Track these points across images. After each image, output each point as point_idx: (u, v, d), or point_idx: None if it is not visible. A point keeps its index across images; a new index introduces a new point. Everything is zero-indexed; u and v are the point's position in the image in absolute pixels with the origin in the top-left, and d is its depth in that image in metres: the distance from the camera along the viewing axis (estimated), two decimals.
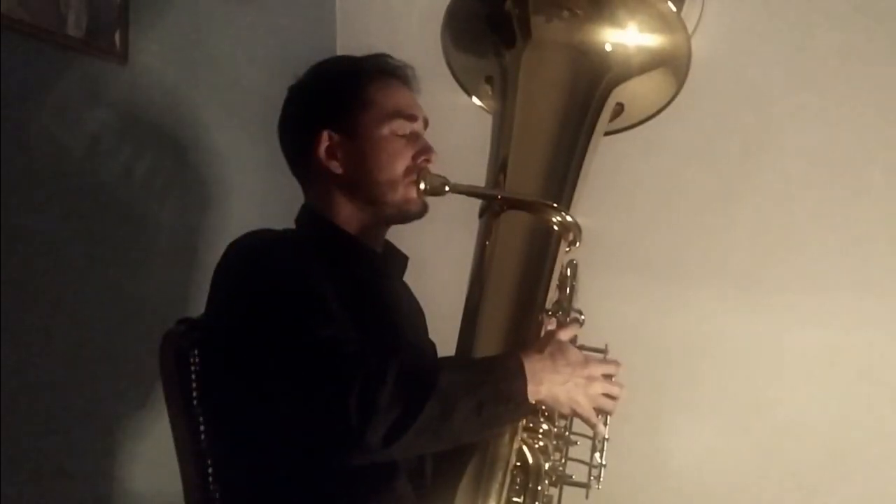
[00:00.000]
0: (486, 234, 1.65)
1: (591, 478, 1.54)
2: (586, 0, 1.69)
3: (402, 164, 1.59)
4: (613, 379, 1.51)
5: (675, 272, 2.44)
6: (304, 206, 1.68)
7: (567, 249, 1.65)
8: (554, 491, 1.56)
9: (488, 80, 1.81)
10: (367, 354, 1.35)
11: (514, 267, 1.63)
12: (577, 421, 1.54)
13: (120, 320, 1.95)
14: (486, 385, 1.39)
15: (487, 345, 1.55)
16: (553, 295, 1.64)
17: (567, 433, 1.57)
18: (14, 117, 1.70)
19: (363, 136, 1.60)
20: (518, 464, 1.51)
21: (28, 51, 1.74)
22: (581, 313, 1.63)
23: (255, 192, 2.35)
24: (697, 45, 1.73)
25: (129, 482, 1.97)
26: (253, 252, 1.50)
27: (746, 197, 2.40)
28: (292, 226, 1.67)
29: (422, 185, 1.58)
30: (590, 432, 1.53)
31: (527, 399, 1.41)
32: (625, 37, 1.70)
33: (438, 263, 2.17)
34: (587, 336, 1.60)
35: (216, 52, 2.26)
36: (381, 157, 1.59)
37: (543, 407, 1.52)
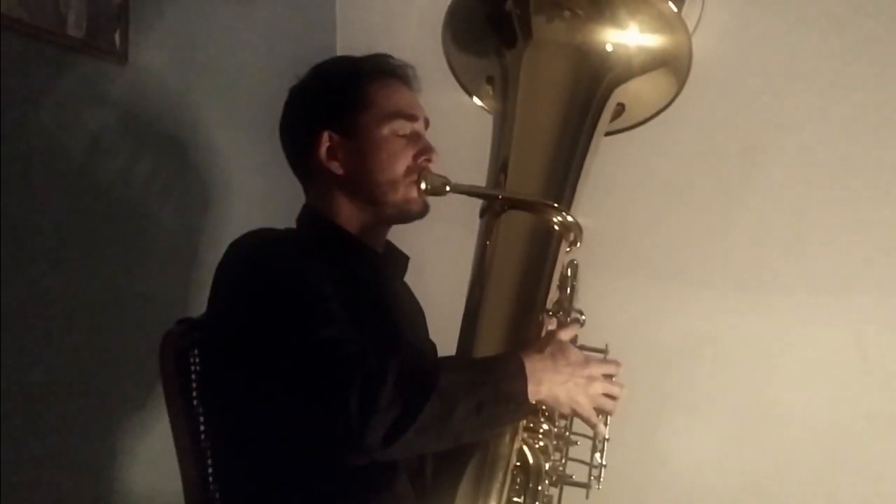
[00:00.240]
0: (486, 234, 1.65)
1: (592, 478, 1.54)
2: (587, 0, 1.69)
3: (402, 164, 1.59)
4: (614, 379, 1.51)
5: (676, 272, 2.44)
6: (305, 206, 1.68)
7: (568, 249, 1.65)
8: (554, 491, 1.56)
9: (489, 80, 1.81)
10: (368, 354, 1.35)
11: (514, 267, 1.63)
12: (577, 421, 1.54)
13: (120, 320, 1.95)
14: (486, 385, 1.39)
15: (488, 345, 1.55)
16: (554, 295, 1.64)
17: (567, 433, 1.57)
18: (14, 117, 1.70)
19: (364, 137, 1.60)
20: (518, 464, 1.51)
21: (28, 51, 1.74)
22: (581, 313, 1.63)
23: (255, 192, 2.35)
24: (697, 45, 1.73)
25: (129, 482, 1.97)
26: (254, 251, 1.50)
27: (746, 197, 2.40)
28: (293, 226, 1.67)
29: (423, 185, 1.59)
30: (590, 432, 1.54)
31: (527, 399, 1.42)
32: (626, 37, 1.70)
33: (439, 263, 2.17)
34: (587, 336, 1.60)
35: (216, 52, 2.26)
36: (382, 158, 1.59)
37: (544, 407, 1.52)
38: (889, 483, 2.28)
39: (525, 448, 1.52)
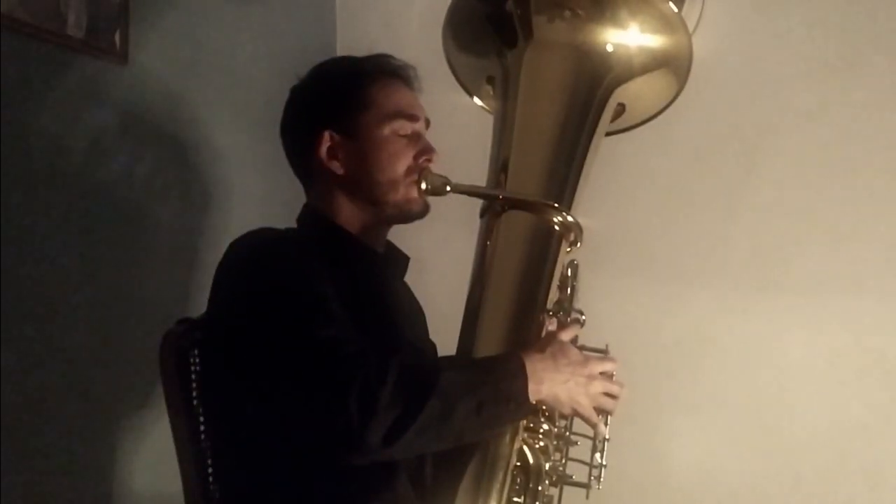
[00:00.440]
0: (487, 235, 1.65)
1: (592, 478, 1.54)
2: (588, 0, 1.69)
3: (403, 164, 1.59)
4: (613, 378, 1.51)
5: (676, 272, 2.44)
6: (305, 206, 1.68)
7: (568, 249, 1.65)
8: (554, 491, 1.56)
9: (490, 80, 1.81)
10: (368, 355, 1.35)
11: (515, 267, 1.63)
12: (577, 421, 1.54)
13: (120, 320, 1.95)
14: (486, 385, 1.39)
15: (488, 345, 1.55)
16: (554, 295, 1.64)
17: (567, 433, 1.57)
18: (14, 117, 1.70)
19: (364, 137, 1.60)
20: (518, 464, 1.51)
21: (28, 51, 1.74)
22: (582, 313, 1.63)
23: (255, 192, 2.35)
24: (697, 45, 1.73)
25: (129, 482, 1.97)
26: (254, 251, 1.50)
27: (747, 197, 2.39)
28: (293, 226, 1.67)
29: (423, 185, 1.59)
30: (590, 432, 1.54)
31: (528, 399, 1.42)
32: (626, 37, 1.70)
33: (439, 263, 2.17)
34: (588, 336, 1.60)
35: (216, 52, 2.26)
36: (383, 158, 1.59)
37: (544, 407, 1.52)
38: (890, 483, 2.28)
39: (525, 448, 1.52)
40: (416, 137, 1.63)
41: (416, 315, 1.80)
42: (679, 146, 2.43)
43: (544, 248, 1.62)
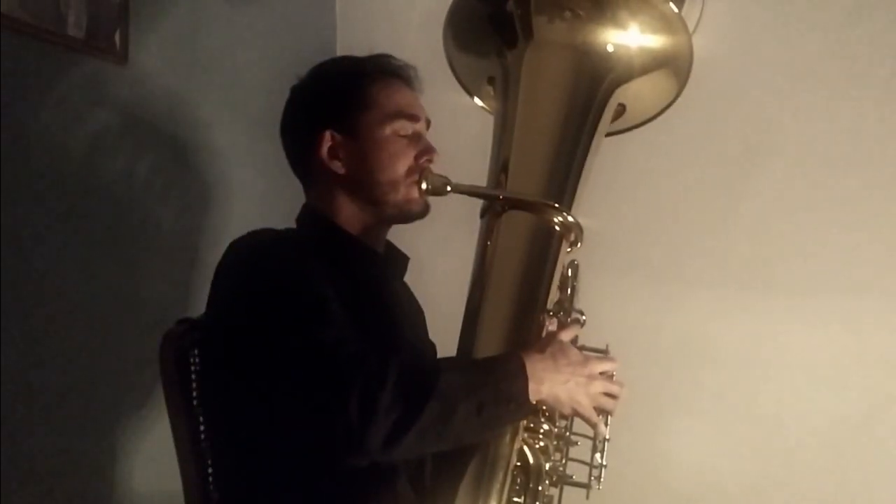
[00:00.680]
0: (487, 235, 1.65)
1: (592, 478, 1.54)
2: (588, 1, 1.69)
3: (403, 164, 1.59)
4: (613, 378, 1.51)
5: (676, 273, 2.44)
6: (305, 206, 1.68)
7: (568, 250, 1.65)
8: (554, 491, 1.56)
9: (490, 80, 1.81)
10: (368, 356, 1.35)
11: (515, 267, 1.63)
12: (577, 421, 1.54)
13: (120, 320, 1.95)
14: (486, 386, 1.39)
15: (488, 345, 1.55)
16: (554, 295, 1.64)
17: (568, 433, 1.57)
18: (14, 117, 1.70)
19: (365, 137, 1.60)
20: (519, 464, 1.51)
21: (28, 51, 1.74)
22: (582, 314, 1.63)
23: (255, 192, 2.35)
24: (697, 44, 1.73)
25: (129, 482, 1.97)
26: (254, 252, 1.50)
27: (747, 197, 2.40)
28: (293, 226, 1.67)
29: (423, 185, 1.59)
30: (590, 432, 1.54)
31: (528, 399, 1.42)
32: (627, 38, 1.70)
33: (439, 263, 2.17)
34: (588, 336, 1.60)
35: (216, 52, 2.26)
36: (383, 158, 1.59)
37: (544, 407, 1.52)
38: (889, 483, 2.28)
39: (525, 448, 1.52)
40: (416, 137, 1.63)
41: (416, 315, 1.80)
42: (679, 146, 2.42)
43: (544, 248, 1.62)
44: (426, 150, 1.61)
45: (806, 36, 2.35)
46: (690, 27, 1.85)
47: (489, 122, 1.78)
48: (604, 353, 1.57)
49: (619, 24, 1.69)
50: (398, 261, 1.75)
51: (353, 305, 1.47)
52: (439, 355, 1.77)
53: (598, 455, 1.54)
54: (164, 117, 2.09)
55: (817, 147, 2.34)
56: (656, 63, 1.73)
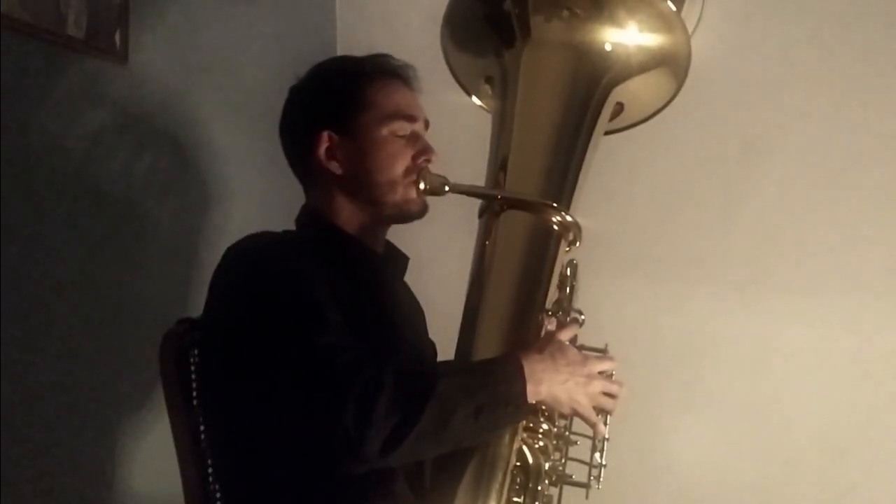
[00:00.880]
0: (485, 234, 1.65)
1: (591, 478, 1.54)
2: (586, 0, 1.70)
3: (401, 164, 1.59)
4: (613, 377, 1.51)
5: (676, 272, 2.45)
6: (304, 207, 1.68)
7: (567, 249, 1.65)
8: (554, 491, 1.56)
9: (488, 79, 1.81)
10: (365, 362, 1.35)
11: (514, 267, 1.63)
12: (576, 421, 1.54)
13: (120, 320, 1.95)
14: (484, 389, 1.39)
15: (487, 345, 1.55)
16: (553, 295, 1.64)
17: (567, 433, 1.57)
18: (14, 117, 1.70)
19: (363, 137, 1.60)
20: (518, 464, 1.51)
21: (28, 51, 1.74)
22: (581, 313, 1.63)
23: (255, 192, 2.35)
24: (698, 44, 1.73)
25: (129, 482, 1.97)
26: (251, 256, 1.50)
27: (746, 197, 2.40)
28: (293, 226, 1.67)
29: (422, 185, 1.58)
30: (590, 432, 1.54)
31: (526, 401, 1.42)
32: (625, 36, 1.70)
33: (438, 263, 2.17)
34: (587, 336, 1.60)
35: (216, 52, 2.26)
36: (381, 158, 1.59)
37: (543, 407, 1.52)
38: (889, 483, 2.28)
39: (525, 448, 1.52)
40: (414, 138, 1.62)
41: (415, 315, 1.80)
42: (679, 146, 2.43)
43: (543, 247, 1.62)
44: (424, 151, 1.61)
45: (806, 36, 2.35)
46: (690, 27, 1.85)
47: (487, 121, 1.78)
48: (603, 353, 1.57)
49: (616, 23, 1.69)
50: (398, 261, 1.75)
51: (353, 306, 1.47)
52: (439, 355, 1.77)
53: (597, 454, 1.54)
54: (164, 117, 2.09)
55: (817, 147, 2.34)
56: (654, 62, 1.73)
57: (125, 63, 1.96)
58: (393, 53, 1.68)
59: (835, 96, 2.32)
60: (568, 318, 1.62)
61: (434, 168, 1.61)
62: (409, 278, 1.78)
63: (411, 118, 1.62)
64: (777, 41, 2.38)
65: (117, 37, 1.93)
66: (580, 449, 1.57)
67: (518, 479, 1.51)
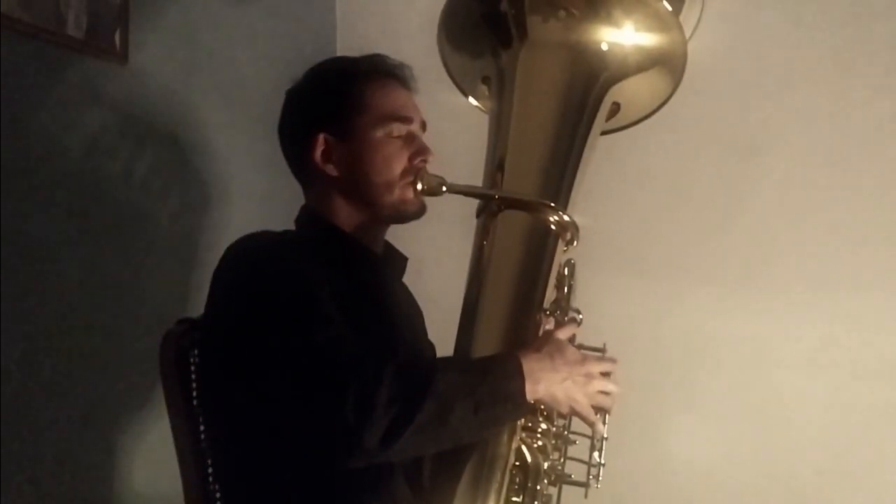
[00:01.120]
0: (483, 234, 1.64)
1: (590, 477, 1.54)
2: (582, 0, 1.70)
3: (398, 166, 1.59)
4: (611, 376, 1.51)
5: (673, 271, 2.44)
6: (304, 207, 1.68)
7: (565, 249, 1.65)
8: (553, 490, 1.56)
9: (485, 80, 1.81)
10: (364, 357, 1.35)
11: (511, 266, 1.63)
12: (575, 420, 1.54)
13: (120, 320, 1.95)
14: (483, 385, 1.39)
15: (485, 344, 1.54)
16: (551, 294, 1.64)
17: (566, 432, 1.57)
18: (14, 117, 1.70)
19: (359, 139, 1.60)
20: (517, 463, 1.51)
21: (28, 51, 1.74)
22: (579, 312, 1.63)
23: (255, 192, 2.35)
24: (698, 44, 1.73)
25: (129, 482, 1.97)
26: (251, 255, 1.51)
27: (745, 196, 2.40)
28: (293, 226, 1.67)
29: (419, 186, 1.58)
30: (588, 431, 1.53)
31: (525, 399, 1.41)
32: (621, 36, 1.69)
33: (436, 263, 2.17)
34: (585, 335, 1.60)
35: (216, 52, 2.26)
36: (377, 160, 1.59)
37: (542, 406, 1.52)
38: (889, 482, 2.28)
39: (523, 447, 1.52)
40: (410, 139, 1.62)
41: (414, 316, 1.80)
42: (678, 145, 2.43)
43: (541, 247, 1.62)
44: (420, 151, 1.61)
45: (806, 36, 2.35)
46: (691, 27, 1.86)
47: (485, 121, 1.78)
48: (601, 352, 1.57)
49: (613, 23, 1.69)
50: (397, 261, 1.75)
51: (352, 306, 1.47)
52: (438, 355, 1.77)
53: (596, 454, 1.54)
54: (164, 117, 2.09)
55: (817, 146, 2.34)
56: (650, 61, 1.73)
57: (125, 63, 1.96)
58: (393, 53, 1.68)
59: (835, 96, 2.32)
60: (566, 318, 1.62)
61: (432, 168, 1.61)
62: (407, 278, 1.78)
63: (406, 119, 1.62)
64: (777, 41, 2.37)
65: (117, 37, 1.94)
66: (579, 448, 1.57)
67: (517, 479, 1.51)
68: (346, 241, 1.63)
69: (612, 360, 1.53)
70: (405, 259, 1.76)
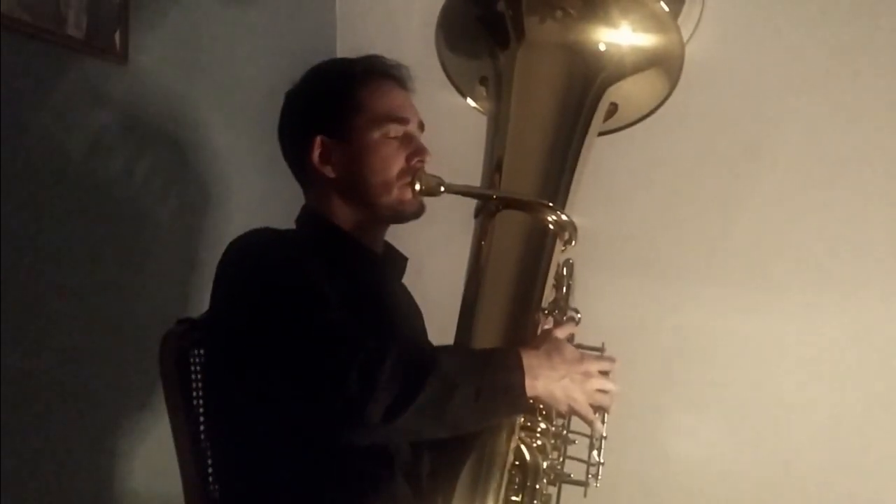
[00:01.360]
0: (482, 234, 1.64)
1: (590, 476, 1.54)
2: (580, 0, 1.69)
3: (395, 166, 1.60)
4: (609, 375, 1.51)
5: (671, 271, 2.45)
6: (304, 208, 1.69)
7: (563, 248, 1.65)
8: (552, 489, 1.56)
9: (483, 81, 1.81)
10: (367, 339, 1.36)
11: (510, 266, 1.63)
12: (574, 419, 1.54)
13: (120, 320, 1.95)
14: (485, 373, 1.39)
15: (484, 344, 1.54)
16: (549, 294, 1.64)
17: (565, 432, 1.57)
18: (14, 117, 1.70)
19: (356, 141, 1.60)
20: (516, 462, 1.51)
21: (28, 51, 1.74)
22: (577, 312, 1.63)
23: (255, 193, 2.35)
24: (698, 45, 1.73)
25: (129, 482, 1.98)
26: (253, 247, 1.51)
27: (745, 196, 2.40)
28: (292, 226, 1.67)
29: (417, 186, 1.59)
30: (587, 431, 1.53)
31: (524, 392, 1.41)
32: (618, 37, 1.69)
33: (435, 264, 2.17)
34: (584, 335, 1.60)
35: (216, 53, 2.26)
36: (374, 161, 1.60)
37: (541, 406, 1.52)
38: (890, 480, 2.28)
39: (522, 447, 1.51)
40: (408, 139, 1.63)
41: (414, 317, 1.81)
42: (678, 146, 2.43)
43: (539, 247, 1.62)
44: (418, 151, 1.62)
45: (806, 36, 2.35)
46: (691, 27, 1.86)
47: (483, 122, 1.78)
48: (600, 352, 1.57)
49: (610, 23, 1.69)
50: (396, 262, 1.76)
51: (352, 306, 1.47)
52: None
53: (595, 453, 1.54)
54: (164, 117, 2.09)
55: (817, 147, 2.34)
56: (648, 62, 1.72)
57: (125, 63, 1.96)
58: (392, 54, 1.68)
59: (835, 96, 2.32)
60: (564, 317, 1.62)
61: (430, 169, 1.61)
62: (407, 278, 1.79)
63: (403, 120, 1.63)
64: (777, 41, 2.37)
65: (117, 37, 1.94)
66: (578, 447, 1.57)
67: (516, 478, 1.51)
68: (346, 241, 1.63)
69: (611, 359, 1.53)
70: (405, 259, 1.76)
